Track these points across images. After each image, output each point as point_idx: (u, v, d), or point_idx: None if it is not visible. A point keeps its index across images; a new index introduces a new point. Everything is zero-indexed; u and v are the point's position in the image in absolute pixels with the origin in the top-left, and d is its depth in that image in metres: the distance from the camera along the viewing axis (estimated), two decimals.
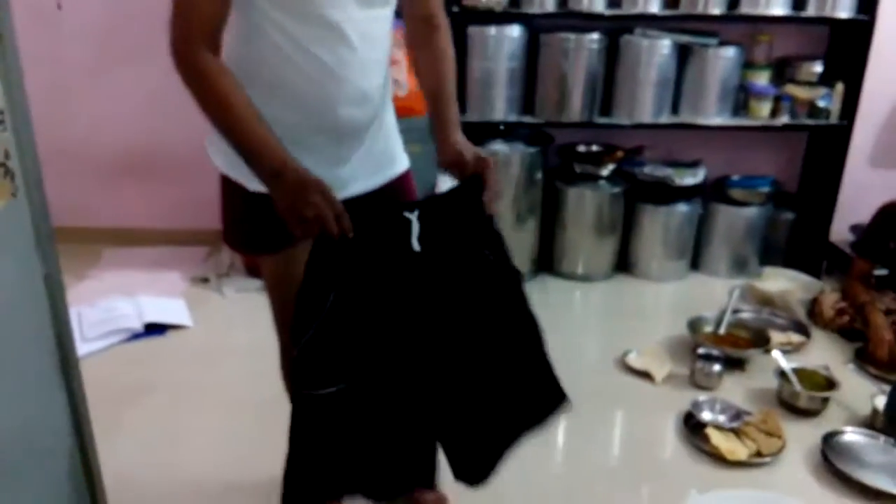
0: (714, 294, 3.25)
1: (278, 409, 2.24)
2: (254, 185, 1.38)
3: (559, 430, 2.38)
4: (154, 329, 2.81)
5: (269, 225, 1.33)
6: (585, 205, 3.29)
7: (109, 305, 2.81)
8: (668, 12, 3.04)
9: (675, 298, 3.31)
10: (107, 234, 3.48)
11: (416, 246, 1.34)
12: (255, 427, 2.29)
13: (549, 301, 3.26)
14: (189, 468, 2.13)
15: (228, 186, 1.52)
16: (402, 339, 1.37)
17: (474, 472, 1.57)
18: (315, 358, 1.32)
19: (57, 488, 1.34)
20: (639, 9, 3.02)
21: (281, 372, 1.80)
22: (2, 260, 1.14)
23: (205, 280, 3.23)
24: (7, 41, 1.11)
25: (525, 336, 1.55)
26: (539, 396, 1.61)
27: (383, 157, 1.56)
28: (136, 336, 2.76)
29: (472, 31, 3.05)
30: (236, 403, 2.42)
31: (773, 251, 3.46)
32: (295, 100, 1.37)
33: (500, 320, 1.49)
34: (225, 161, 1.49)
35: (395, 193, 1.59)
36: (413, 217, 1.33)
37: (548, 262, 3.45)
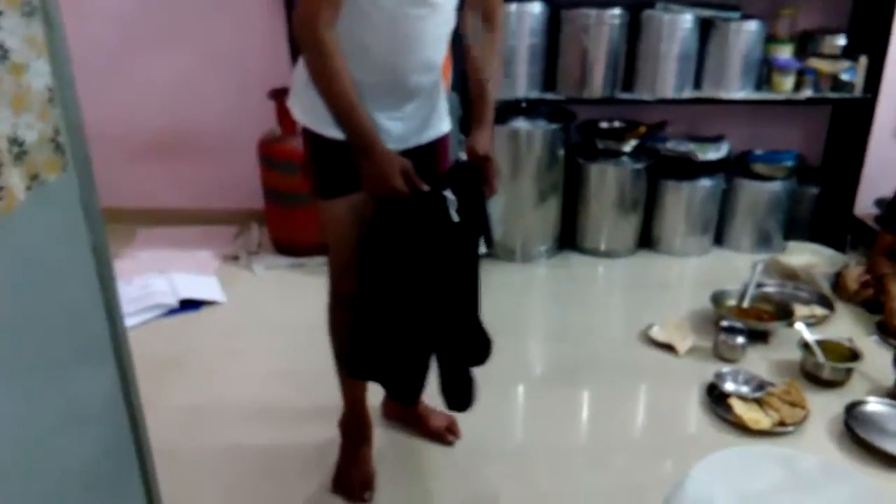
0: (737, 269, 3.26)
1: (311, 379, 2.33)
2: (331, 132, 1.63)
3: (583, 401, 2.43)
4: (188, 305, 2.89)
5: (342, 170, 1.62)
6: (608, 181, 3.31)
7: (145, 282, 2.90)
8: None
9: (698, 273, 3.33)
10: (140, 215, 3.56)
11: (455, 217, 1.66)
12: (289, 397, 2.37)
13: (572, 277, 3.30)
14: (228, 437, 2.21)
15: (309, 138, 1.72)
16: (430, 274, 1.72)
17: (460, 396, 1.90)
18: (380, 277, 1.70)
19: (106, 457, 1.40)
20: None
21: (328, 312, 1.94)
22: (54, 232, 1.20)
23: (235, 258, 3.31)
24: (54, 20, 1.17)
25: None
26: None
27: (433, 117, 1.81)
28: (171, 312, 2.85)
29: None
30: (270, 375, 2.50)
31: (797, 225, 3.46)
32: (376, 65, 1.60)
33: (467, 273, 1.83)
34: (307, 116, 1.71)
35: (437, 151, 1.87)
36: (449, 194, 1.65)
37: (570, 238, 3.48)
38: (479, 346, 1.91)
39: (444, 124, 1.88)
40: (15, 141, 1.09)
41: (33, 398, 1.17)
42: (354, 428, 2.06)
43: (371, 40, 1.57)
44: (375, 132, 1.57)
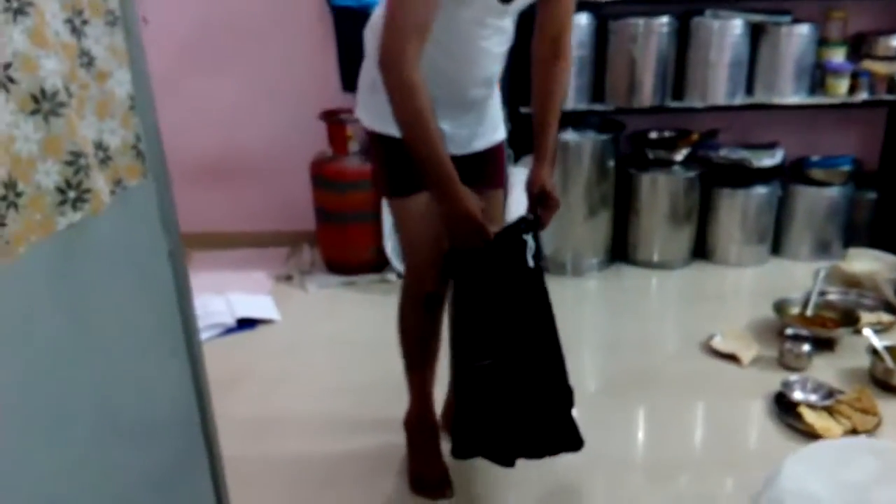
0: (796, 278, 3.19)
1: (367, 395, 2.34)
2: (396, 131, 1.61)
3: (644, 415, 2.38)
4: (245, 324, 2.92)
5: (413, 167, 1.59)
6: (659, 191, 3.28)
7: (203, 303, 2.94)
8: None
9: (757, 283, 3.26)
10: (195, 238, 3.61)
11: (530, 262, 1.71)
12: (346, 411, 2.37)
13: (625, 289, 3.26)
14: (289, 448, 2.22)
15: (377, 140, 1.76)
16: (518, 330, 1.74)
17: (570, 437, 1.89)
18: (472, 338, 1.74)
19: (179, 464, 1.41)
20: None
21: (400, 309, 1.96)
22: (135, 236, 1.23)
23: (289, 278, 3.35)
24: (133, 30, 1.20)
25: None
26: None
27: (491, 125, 1.89)
28: (228, 331, 2.88)
29: None
30: (327, 389, 2.51)
31: (856, 232, 3.37)
32: (441, 80, 1.62)
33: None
34: (373, 119, 1.76)
35: (494, 157, 1.94)
36: (529, 238, 1.70)
37: (623, 250, 3.44)
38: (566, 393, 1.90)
39: (499, 133, 1.95)
40: (100, 146, 1.12)
41: (109, 401, 1.18)
42: (422, 425, 2.05)
43: (436, 56, 1.60)
44: (457, 179, 1.56)
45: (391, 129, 1.67)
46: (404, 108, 1.49)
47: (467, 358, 1.76)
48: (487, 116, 1.88)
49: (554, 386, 1.85)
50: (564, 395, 1.88)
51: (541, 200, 1.78)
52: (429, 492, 1.98)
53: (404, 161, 1.68)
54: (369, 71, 1.77)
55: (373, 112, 1.75)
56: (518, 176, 3.10)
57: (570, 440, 1.87)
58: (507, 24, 1.70)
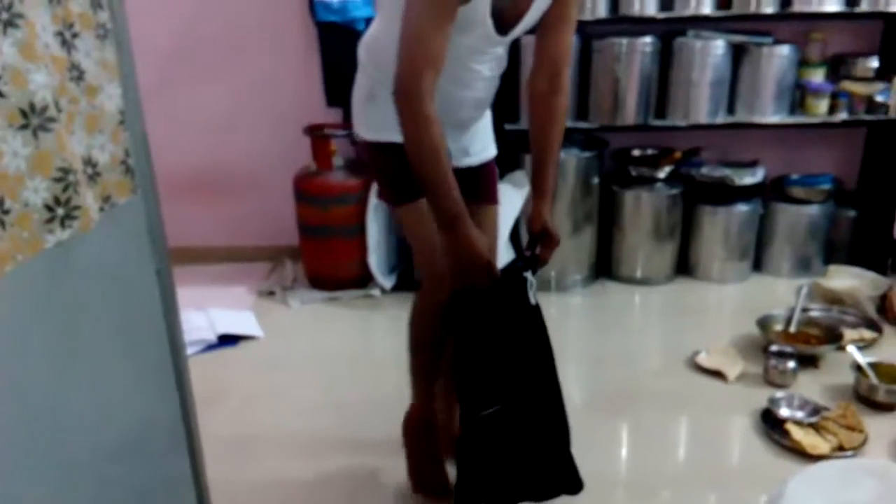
0: (778, 294, 3.22)
1: (351, 412, 2.30)
2: (397, 137, 1.58)
3: (629, 431, 2.37)
4: (227, 340, 2.88)
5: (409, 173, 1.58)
6: (643, 208, 3.29)
7: (184, 318, 2.87)
8: (720, 13, 3.04)
9: (739, 299, 3.28)
10: (175, 252, 3.55)
11: (532, 300, 1.69)
12: (330, 429, 2.34)
13: (609, 305, 3.26)
14: (272, 469, 2.18)
15: (377, 149, 1.75)
16: (523, 372, 1.72)
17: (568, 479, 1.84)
18: (478, 385, 1.68)
19: (167, 482, 1.38)
20: (691, 10, 3.03)
21: (415, 316, 1.96)
22: (123, 255, 1.20)
23: (271, 293, 3.31)
24: (124, 43, 1.18)
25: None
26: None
27: (482, 142, 1.92)
28: (210, 347, 2.84)
29: (525, 39, 3.07)
30: (311, 407, 2.48)
31: (837, 249, 3.41)
32: (440, 101, 1.56)
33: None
34: (371, 129, 1.75)
35: (487, 172, 1.96)
36: (530, 276, 1.68)
37: (606, 266, 3.45)
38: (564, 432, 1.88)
39: (490, 149, 1.98)
40: (89, 162, 1.09)
41: (96, 421, 1.15)
42: (426, 428, 2.02)
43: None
44: (465, 211, 1.54)
45: (393, 136, 1.65)
46: (419, 140, 1.48)
47: (474, 406, 1.69)
48: (479, 134, 1.91)
49: (555, 426, 1.82)
50: (563, 435, 1.84)
51: (541, 238, 1.77)
52: (431, 492, 1.98)
53: (407, 166, 1.68)
54: (364, 84, 1.79)
55: (372, 122, 1.75)
56: (504, 193, 3.11)
57: (571, 481, 1.83)
58: (502, 51, 1.74)
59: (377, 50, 1.71)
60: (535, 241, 1.77)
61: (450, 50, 1.54)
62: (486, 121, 1.91)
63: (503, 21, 1.61)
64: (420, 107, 1.45)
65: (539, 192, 1.78)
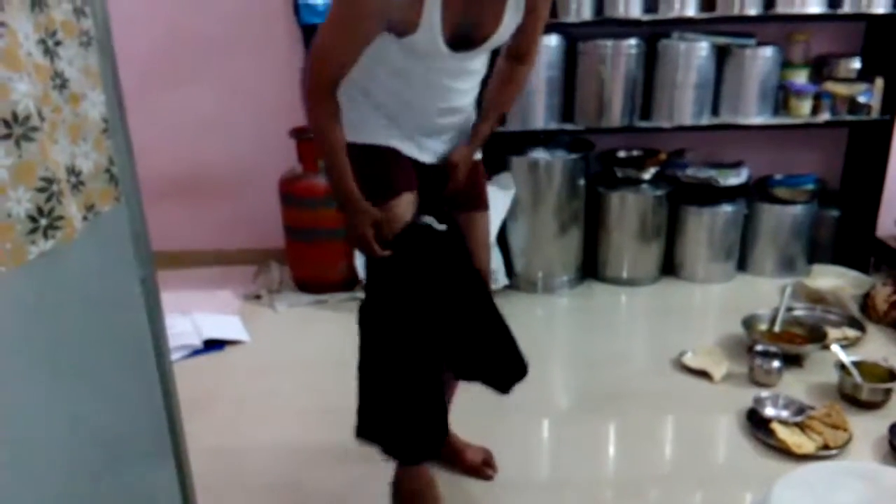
0: (762, 294, 3.24)
1: (339, 416, 2.28)
2: (370, 138, 1.72)
3: (616, 431, 2.38)
4: (212, 345, 2.86)
5: (391, 171, 1.72)
6: (628, 209, 3.31)
7: (169, 323, 2.85)
8: (704, 15, 3.06)
9: (724, 299, 3.31)
10: (159, 257, 3.52)
11: (440, 226, 1.75)
12: (318, 435, 2.33)
13: (595, 306, 3.27)
14: (257, 478, 2.16)
15: (354, 151, 1.73)
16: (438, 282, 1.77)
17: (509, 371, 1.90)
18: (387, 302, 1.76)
19: (153, 492, 1.37)
20: (675, 13, 3.05)
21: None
22: (108, 264, 1.19)
23: (257, 297, 3.29)
24: (108, 50, 1.17)
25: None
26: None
27: (463, 135, 1.87)
28: (195, 352, 2.82)
29: None
30: (298, 412, 2.46)
31: (820, 249, 3.45)
32: (404, 107, 1.72)
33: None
34: (350, 132, 1.73)
35: (474, 177, 1.91)
36: (427, 218, 1.74)
37: (592, 267, 3.46)
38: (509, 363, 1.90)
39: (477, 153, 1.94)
40: (73, 171, 1.08)
41: (82, 432, 1.14)
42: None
43: (400, 88, 1.67)
44: (355, 188, 1.67)
45: (363, 137, 1.72)
46: (325, 135, 1.63)
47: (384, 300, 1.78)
48: (463, 134, 1.87)
49: (489, 322, 1.87)
50: (499, 327, 1.89)
51: (450, 172, 1.82)
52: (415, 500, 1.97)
53: (382, 165, 1.73)
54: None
55: (353, 126, 1.72)
56: (490, 195, 3.11)
57: (516, 366, 1.89)
58: (475, 65, 1.71)
59: None
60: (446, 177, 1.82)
61: (418, 71, 1.62)
62: (468, 124, 1.87)
63: (472, 41, 1.60)
64: (322, 106, 1.59)
65: (471, 137, 1.83)
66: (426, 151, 1.79)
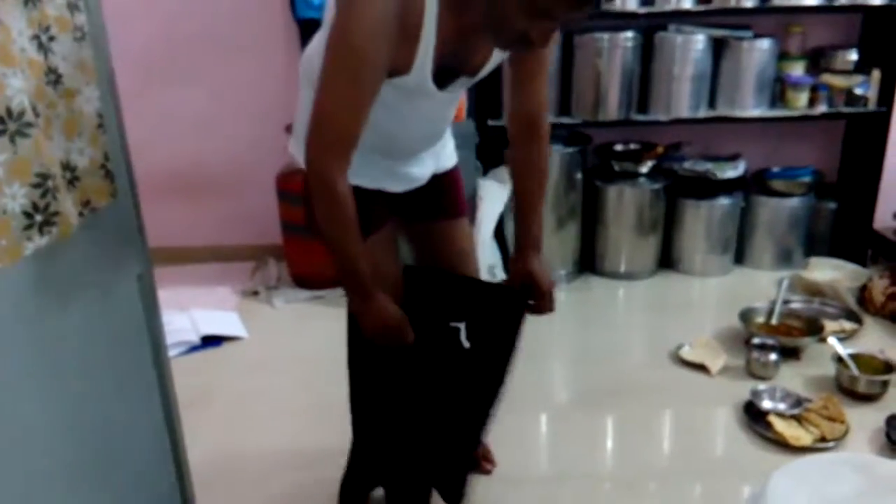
0: (760, 286, 3.24)
1: (337, 413, 2.28)
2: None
3: (614, 425, 2.39)
4: (210, 341, 2.86)
5: (364, 209, 1.47)
6: (626, 203, 3.30)
7: (167, 320, 2.84)
8: (701, 7, 3.05)
9: (722, 292, 3.31)
10: (157, 253, 3.52)
11: (465, 344, 1.62)
12: (317, 432, 2.33)
13: (593, 300, 3.27)
14: (253, 471, 2.17)
15: None
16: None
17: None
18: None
19: (151, 488, 1.37)
20: (672, 5, 3.04)
21: None
22: (103, 259, 1.19)
23: (255, 293, 3.29)
24: (102, 45, 1.17)
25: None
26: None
27: (440, 157, 1.76)
28: (193, 348, 2.82)
29: None
30: (296, 409, 2.46)
31: (817, 241, 3.45)
32: (383, 136, 1.51)
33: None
34: None
35: (450, 184, 1.81)
36: (461, 326, 1.62)
37: (590, 261, 3.46)
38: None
39: (450, 159, 1.83)
40: (68, 166, 1.08)
41: (78, 431, 1.14)
42: None
43: (378, 118, 1.46)
44: (373, 284, 1.50)
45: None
46: (330, 218, 1.40)
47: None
48: (440, 154, 1.77)
49: (456, 431, 1.76)
50: (462, 443, 1.79)
51: (530, 290, 1.65)
52: None
53: (358, 204, 1.53)
54: (308, 112, 1.54)
55: None
56: (487, 189, 3.11)
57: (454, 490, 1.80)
58: (456, 95, 1.58)
59: (314, 69, 1.45)
60: (512, 292, 1.68)
61: (404, 106, 1.47)
62: (444, 144, 1.76)
63: (457, 75, 1.48)
64: (332, 188, 1.35)
65: (522, 243, 1.67)
66: (401, 180, 1.66)
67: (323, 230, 1.42)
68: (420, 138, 1.63)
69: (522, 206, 1.68)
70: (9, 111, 0.94)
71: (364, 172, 1.53)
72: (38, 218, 1.00)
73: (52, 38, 1.04)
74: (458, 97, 1.61)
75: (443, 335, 1.63)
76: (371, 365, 1.73)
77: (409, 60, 1.36)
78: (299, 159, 1.63)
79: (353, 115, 1.32)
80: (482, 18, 1.31)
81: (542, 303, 1.67)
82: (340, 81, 1.29)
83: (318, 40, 1.49)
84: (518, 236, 1.69)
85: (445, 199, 1.81)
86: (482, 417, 1.73)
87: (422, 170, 1.70)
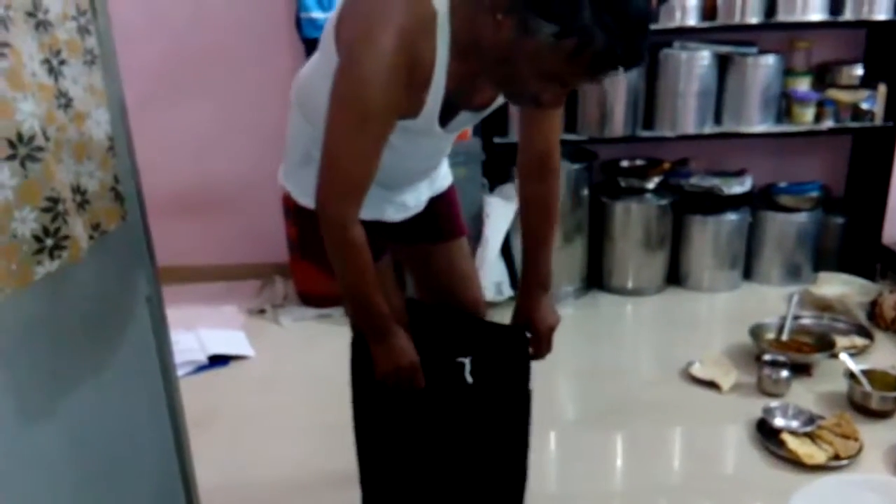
0: (768, 302, 3.22)
1: (344, 433, 2.27)
2: None
3: (624, 443, 2.37)
4: (217, 360, 2.85)
5: None
6: (632, 219, 3.30)
7: (174, 339, 2.83)
8: (705, 24, 3.06)
9: (730, 308, 3.29)
10: (163, 272, 3.53)
11: (469, 379, 1.58)
12: (324, 452, 2.31)
13: (601, 316, 3.26)
14: (260, 491, 2.15)
15: (309, 216, 1.53)
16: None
17: None
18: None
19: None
20: (676, 22, 3.05)
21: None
22: (113, 282, 1.18)
23: (261, 311, 3.29)
24: (113, 69, 1.17)
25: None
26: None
27: (435, 181, 1.74)
28: (200, 368, 2.81)
29: None
30: (302, 428, 2.45)
31: (826, 256, 3.43)
32: (383, 173, 1.41)
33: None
34: (311, 196, 1.47)
35: (446, 206, 1.78)
36: (466, 361, 1.57)
37: (597, 278, 3.45)
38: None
39: (445, 180, 1.81)
40: (78, 190, 1.08)
41: (88, 451, 1.13)
42: None
43: (386, 157, 1.43)
44: (393, 323, 1.47)
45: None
46: (346, 266, 1.38)
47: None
48: (435, 178, 1.74)
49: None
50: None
51: (539, 336, 1.64)
52: None
53: None
54: (299, 141, 1.57)
55: (309, 189, 1.44)
56: (493, 206, 3.11)
57: None
58: (449, 138, 1.55)
59: (308, 95, 1.46)
60: (517, 332, 1.64)
61: (407, 145, 1.42)
62: (439, 170, 1.74)
63: (467, 109, 1.45)
64: (345, 234, 1.33)
65: (528, 282, 1.64)
66: (398, 208, 1.64)
67: (338, 275, 1.40)
68: (418, 171, 1.62)
69: (530, 244, 1.63)
70: (20, 136, 0.93)
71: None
72: (49, 242, 0.99)
73: (62, 62, 1.04)
74: (453, 141, 1.59)
75: (447, 370, 1.59)
76: (376, 408, 1.70)
77: (419, 107, 1.34)
78: (291, 189, 1.62)
79: (364, 165, 1.30)
80: (494, 76, 1.29)
81: (538, 346, 1.65)
82: (351, 131, 1.27)
83: (314, 65, 1.46)
84: (525, 274, 1.65)
85: (442, 220, 1.78)
86: (517, 473, 1.73)
87: (418, 196, 1.68)
